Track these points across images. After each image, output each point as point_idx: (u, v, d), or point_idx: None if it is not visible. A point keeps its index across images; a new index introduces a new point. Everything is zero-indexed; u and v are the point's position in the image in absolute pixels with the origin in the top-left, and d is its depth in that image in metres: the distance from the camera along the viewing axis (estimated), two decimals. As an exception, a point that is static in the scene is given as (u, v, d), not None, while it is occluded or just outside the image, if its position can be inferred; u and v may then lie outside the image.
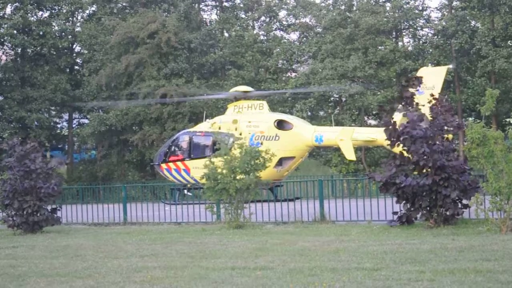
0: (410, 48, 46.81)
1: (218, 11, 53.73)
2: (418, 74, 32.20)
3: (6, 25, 48.61)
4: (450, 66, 38.45)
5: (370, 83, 44.40)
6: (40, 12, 51.71)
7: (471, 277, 11.55)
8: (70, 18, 52.69)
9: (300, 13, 49.22)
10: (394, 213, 20.25)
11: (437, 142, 19.53)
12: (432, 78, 30.28)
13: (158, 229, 23.27)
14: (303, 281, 11.86)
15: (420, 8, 46.69)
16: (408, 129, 19.59)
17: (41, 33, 49.64)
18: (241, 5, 52.72)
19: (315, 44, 46.01)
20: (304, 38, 49.46)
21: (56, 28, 51.25)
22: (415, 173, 19.82)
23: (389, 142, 20.52)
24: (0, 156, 39.99)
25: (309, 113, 45.92)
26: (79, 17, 54.21)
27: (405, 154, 20.07)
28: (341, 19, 45.05)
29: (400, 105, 20.37)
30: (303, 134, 35.07)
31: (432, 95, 20.28)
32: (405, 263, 13.25)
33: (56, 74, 49.82)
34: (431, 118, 19.81)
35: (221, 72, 51.56)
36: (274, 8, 50.88)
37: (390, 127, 20.10)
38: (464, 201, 19.59)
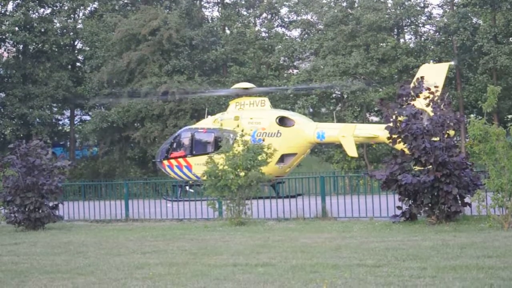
0: (411, 45, 46.75)
1: (220, 8, 53.69)
2: (420, 71, 32.24)
3: (8, 22, 48.57)
4: (452, 62, 38.37)
5: (372, 80, 44.36)
6: (42, 9, 51.66)
7: (473, 273, 11.55)
8: (71, 15, 52.63)
9: (302, 10, 49.15)
10: (398, 207, 20.23)
11: (439, 138, 19.52)
12: (434, 75, 30.19)
13: (160, 225, 23.29)
14: (305, 277, 11.86)
15: (422, 5, 46.58)
16: (409, 126, 19.56)
17: (42, 30, 49.58)
18: (243, 2, 52.66)
19: (316, 41, 45.96)
20: (306, 35, 49.39)
21: (58, 25, 51.22)
22: (416, 168, 19.81)
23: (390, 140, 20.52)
24: (3, 153, 39.96)
25: (311, 110, 45.92)
26: (80, 14, 54.16)
27: (406, 151, 20.04)
28: (342, 16, 45.00)
29: (398, 104, 20.29)
30: (305, 130, 35.02)
31: (430, 90, 20.20)
32: (407, 259, 13.24)
33: (58, 71, 49.79)
34: (431, 114, 19.78)
35: (222, 69, 51.51)
36: (275, 5, 50.78)
37: (392, 123, 20.07)
38: (466, 199, 19.60)
